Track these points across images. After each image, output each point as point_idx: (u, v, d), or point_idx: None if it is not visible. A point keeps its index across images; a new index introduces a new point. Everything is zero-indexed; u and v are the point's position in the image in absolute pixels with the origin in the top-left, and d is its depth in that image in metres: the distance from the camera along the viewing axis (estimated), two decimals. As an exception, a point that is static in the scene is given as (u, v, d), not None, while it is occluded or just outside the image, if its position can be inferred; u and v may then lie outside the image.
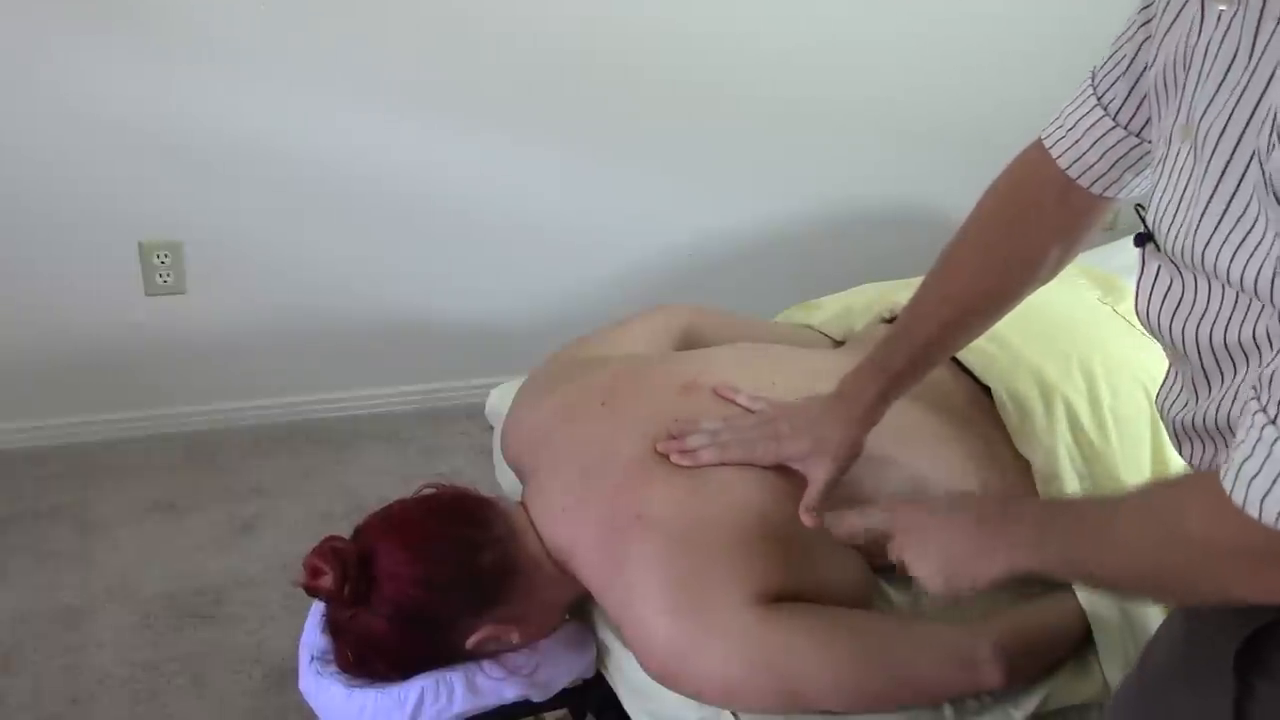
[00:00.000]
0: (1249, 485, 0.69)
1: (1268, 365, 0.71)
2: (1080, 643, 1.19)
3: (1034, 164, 1.09)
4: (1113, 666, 1.16)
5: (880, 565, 1.26)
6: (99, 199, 2.12)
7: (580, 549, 1.16)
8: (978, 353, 1.35)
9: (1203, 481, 0.77)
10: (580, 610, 1.26)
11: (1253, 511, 0.69)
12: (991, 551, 0.92)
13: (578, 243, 2.47)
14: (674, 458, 1.16)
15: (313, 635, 1.19)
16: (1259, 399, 0.71)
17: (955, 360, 1.38)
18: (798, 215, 2.62)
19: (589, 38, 2.25)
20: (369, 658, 1.13)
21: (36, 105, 2.01)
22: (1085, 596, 1.19)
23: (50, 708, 1.69)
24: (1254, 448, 0.69)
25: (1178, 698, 0.87)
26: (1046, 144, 1.07)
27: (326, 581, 1.09)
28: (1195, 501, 0.77)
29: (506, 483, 1.46)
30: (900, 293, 1.56)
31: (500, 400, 1.52)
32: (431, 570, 1.11)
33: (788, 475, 1.17)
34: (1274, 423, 0.68)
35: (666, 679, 1.10)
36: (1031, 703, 1.13)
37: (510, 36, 2.21)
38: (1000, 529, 0.94)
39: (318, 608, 1.20)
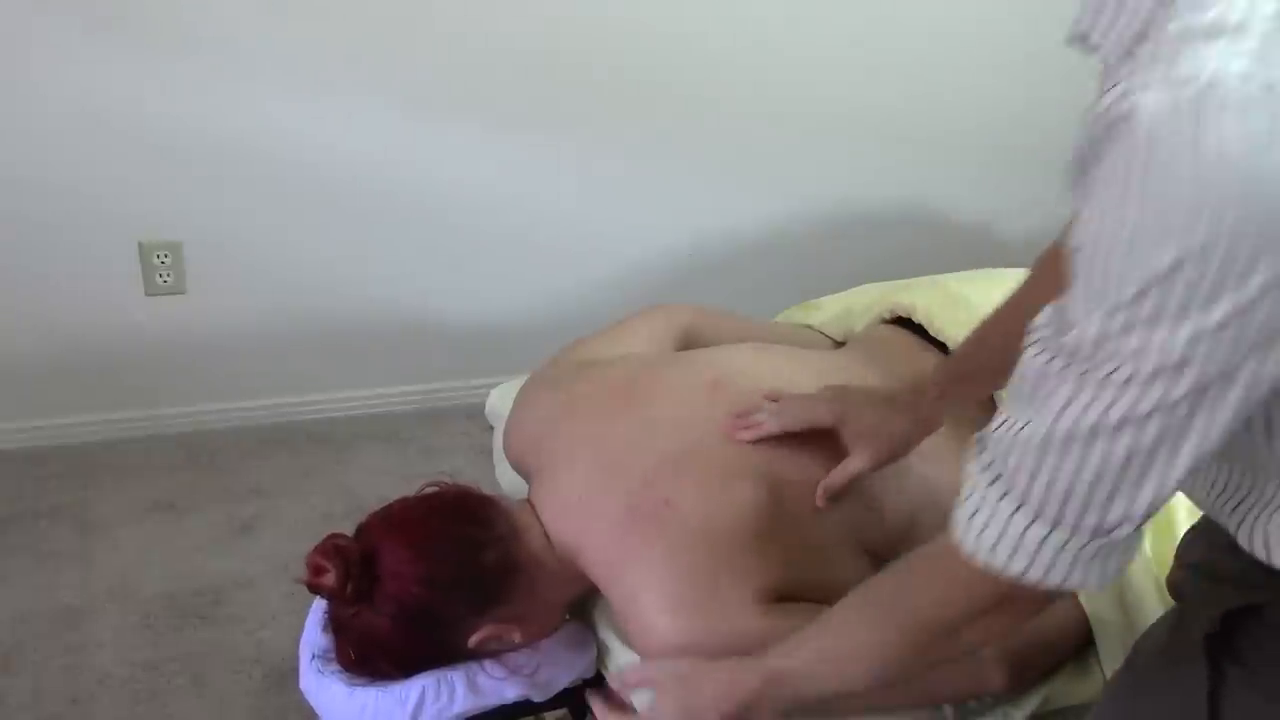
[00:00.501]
0: (982, 534, 0.76)
1: (990, 424, 0.78)
2: (1081, 644, 1.19)
3: None
4: (1112, 667, 1.16)
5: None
6: (99, 199, 2.12)
7: (591, 541, 1.16)
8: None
9: (923, 562, 0.86)
10: (581, 610, 1.26)
11: (989, 561, 0.76)
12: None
13: (578, 243, 2.48)
14: (738, 433, 1.18)
15: (314, 634, 1.20)
16: (979, 455, 0.78)
17: None
18: (798, 215, 2.62)
19: (590, 38, 2.26)
20: (371, 656, 1.13)
21: (36, 105, 2.01)
22: (1086, 598, 1.19)
23: (50, 708, 1.69)
24: (980, 503, 0.76)
25: (1159, 685, 0.89)
26: None
27: (329, 579, 1.09)
28: (924, 580, 0.85)
29: (506, 482, 1.46)
30: (900, 293, 1.56)
31: (500, 400, 1.52)
32: (434, 568, 1.11)
33: (802, 478, 1.18)
34: (992, 470, 0.76)
35: None
36: (1031, 703, 1.14)
37: (510, 37, 2.21)
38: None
39: (318, 606, 1.21)
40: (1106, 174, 0.66)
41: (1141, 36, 0.69)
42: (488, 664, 1.15)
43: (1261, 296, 0.62)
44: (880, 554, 1.24)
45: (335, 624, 1.15)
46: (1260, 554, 0.80)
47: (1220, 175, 0.60)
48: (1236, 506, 0.82)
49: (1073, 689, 1.17)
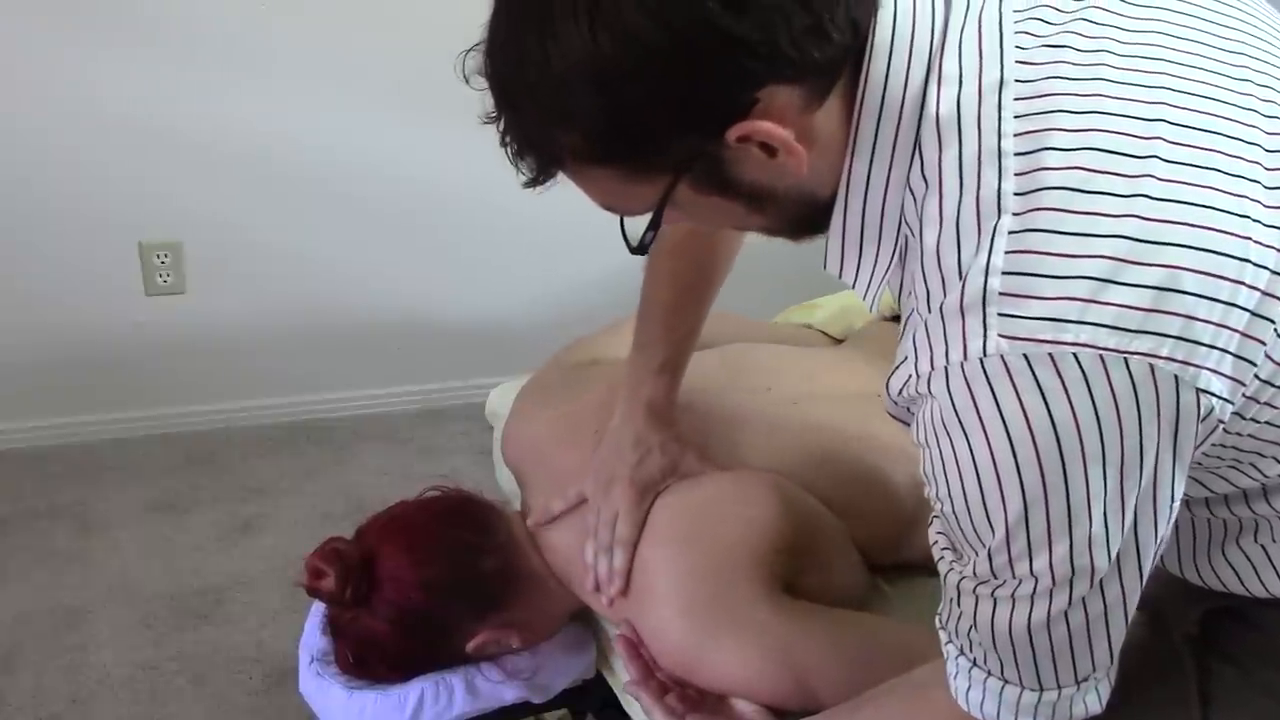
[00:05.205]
0: (981, 706, 0.81)
1: (940, 610, 0.83)
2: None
3: None
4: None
5: (876, 564, 1.26)
6: (99, 199, 2.12)
7: (576, 574, 1.16)
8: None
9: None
10: (580, 612, 1.25)
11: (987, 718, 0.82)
12: None
13: (578, 242, 2.47)
14: (606, 601, 1.13)
15: (313, 637, 1.19)
16: (947, 633, 0.82)
17: None
18: (798, 215, 2.61)
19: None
20: (369, 659, 1.13)
21: (37, 105, 2.01)
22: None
23: (50, 708, 1.69)
24: (970, 681, 0.82)
25: (1145, 687, 0.90)
26: None
27: (328, 583, 1.09)
28: None
29: (507, 484, 1.45)
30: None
31: (500, 400, 1.52)
32: (433, 573, 1.11)
33: (764, 477, 1.18)
34: (968, 655, 0.81)
35: (685, 677, 1.10)
36: (1031, 703, 1.13)
37: (510, 36, 2.21)
38: None
39: (318, 608, 1.20)
40: (927, 444, 0.70)
41: (902, 302, 0.74)
42: (485, 667, 1.15)
43: (1109, 502, 0.67)
44: (871, 547, 1.24)
45: (334, 627, 1.15)
46: (1215, 585, 0.84)
47: (1023, 436, 0.65)
48: (1166, 552, 0.85)
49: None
